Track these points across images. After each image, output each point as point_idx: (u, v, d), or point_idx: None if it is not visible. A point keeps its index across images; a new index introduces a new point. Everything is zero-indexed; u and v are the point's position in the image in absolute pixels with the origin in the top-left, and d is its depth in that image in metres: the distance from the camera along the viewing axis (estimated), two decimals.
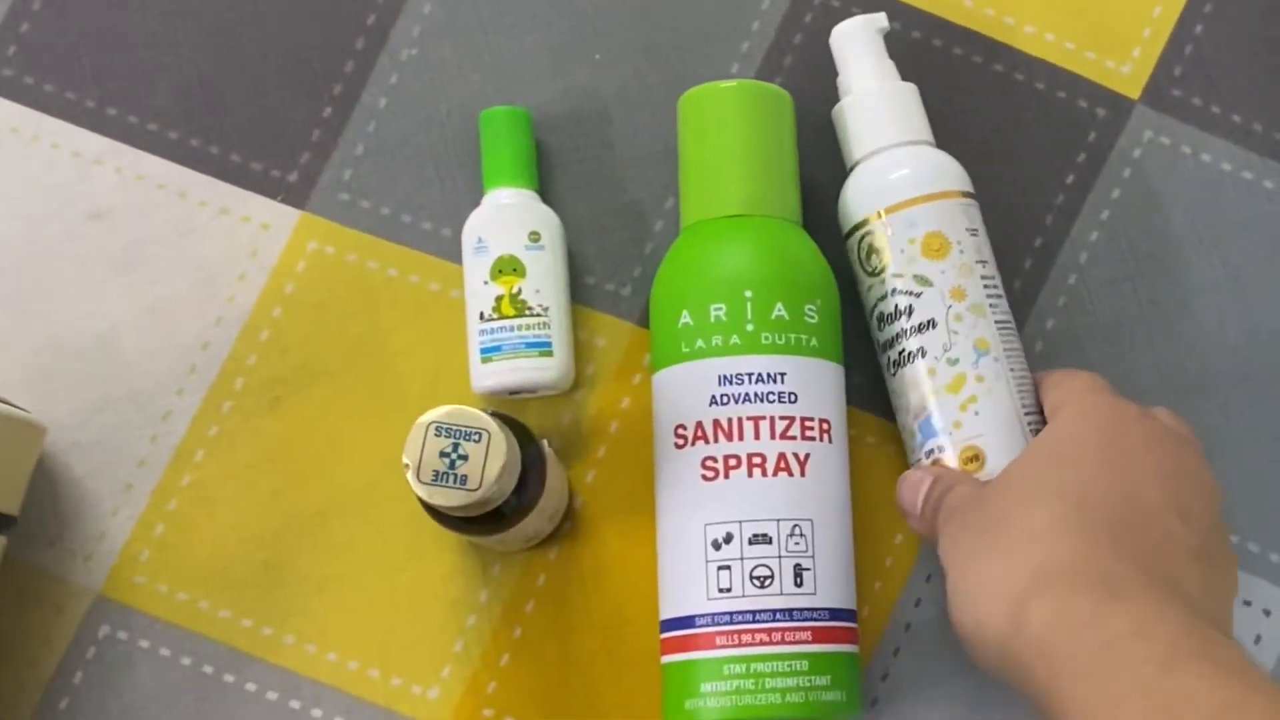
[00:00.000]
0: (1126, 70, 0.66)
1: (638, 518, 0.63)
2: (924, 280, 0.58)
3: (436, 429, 0.53)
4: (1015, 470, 0.54)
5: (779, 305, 0.58)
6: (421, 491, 0.53)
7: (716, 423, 0.57)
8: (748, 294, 0.58)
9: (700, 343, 0.58)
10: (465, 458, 0.53)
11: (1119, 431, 0.54)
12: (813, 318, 0.58)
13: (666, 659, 0.58)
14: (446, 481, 0.53)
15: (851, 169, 0.61)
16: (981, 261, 0.59)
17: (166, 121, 0.65)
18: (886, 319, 0.59)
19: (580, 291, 0.64)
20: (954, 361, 0.58)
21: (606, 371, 0.63)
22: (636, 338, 0.64)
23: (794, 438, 0.57)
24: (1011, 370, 0.58)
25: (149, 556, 0.62)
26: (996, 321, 0.59)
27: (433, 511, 0.56)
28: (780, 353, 0.58)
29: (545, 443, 0.58)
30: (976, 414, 0.58)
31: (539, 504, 0.57)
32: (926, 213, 0.59)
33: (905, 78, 0.66)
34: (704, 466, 0.57)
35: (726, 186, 0.59)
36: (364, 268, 0.64)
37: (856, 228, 0.60)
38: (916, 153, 0.60)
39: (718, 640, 0.56)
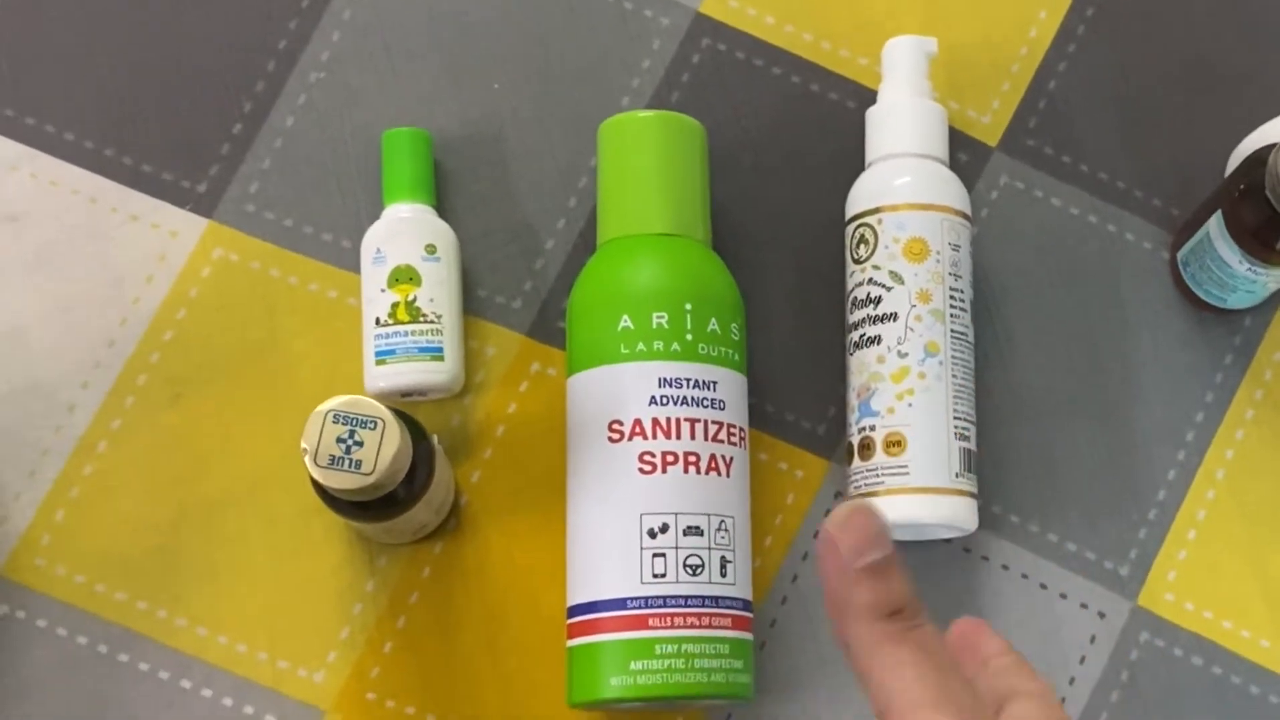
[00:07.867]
0: (986, 120, 0.71)
1: (521, 516, 0.66)
2: (898, 277, 0.65)
3: (334, 416, 0.57)
4: None
5: (713, 320, 0.63)
6: (318, 474, 0.56)
7: (655, 421, 0.62)
8: (688, 306, 0.63)
9: (641, 346, 0.62)
10: (361, 444, 0.56)
11: None
12: (735, 335, 0.64)
13: (580, 640, 0.61)
14: (342, 465, 0.56)
15: (867, 167, 0.68)
16: (955, 275, 0.66)
17: (82, 131, 0.68)
18: (858, 303, 0.66)
19: (472, 303, 0.68)
20: (903, 355, 0.64)
21: (494, 378, 0.67)
22: (525, 348, 0.68)
23: (722, 441, 0.62)
24: (954, 377, 0.65)
25: (49, 540, 0.65)
26: (953, 331, 0.65)
27: (326, 496, 0.59)
28: (713, 363, 0.63)
29: (435, 438, 0.61)
30: (910, 405, 0.64)
31: (427, 494, 0.60)
32: (916, 219, 0.65)
33: (785, 109, 0.70)
34: (641, 460, 0.61)
35: (653, 207, 0.64)
36: (266, 275, 0.68)
37: (855, 218, 0.66)
38: (923, 165, 0.66)
39: (650, 621, 0.60)
